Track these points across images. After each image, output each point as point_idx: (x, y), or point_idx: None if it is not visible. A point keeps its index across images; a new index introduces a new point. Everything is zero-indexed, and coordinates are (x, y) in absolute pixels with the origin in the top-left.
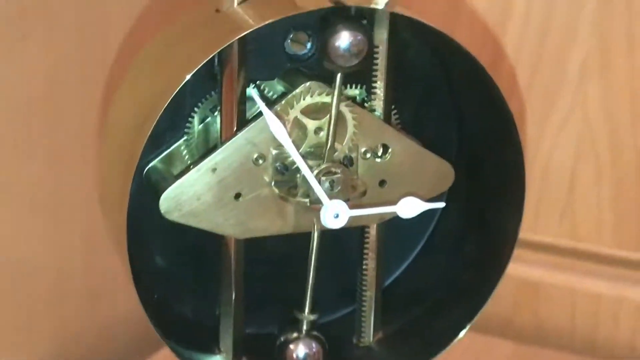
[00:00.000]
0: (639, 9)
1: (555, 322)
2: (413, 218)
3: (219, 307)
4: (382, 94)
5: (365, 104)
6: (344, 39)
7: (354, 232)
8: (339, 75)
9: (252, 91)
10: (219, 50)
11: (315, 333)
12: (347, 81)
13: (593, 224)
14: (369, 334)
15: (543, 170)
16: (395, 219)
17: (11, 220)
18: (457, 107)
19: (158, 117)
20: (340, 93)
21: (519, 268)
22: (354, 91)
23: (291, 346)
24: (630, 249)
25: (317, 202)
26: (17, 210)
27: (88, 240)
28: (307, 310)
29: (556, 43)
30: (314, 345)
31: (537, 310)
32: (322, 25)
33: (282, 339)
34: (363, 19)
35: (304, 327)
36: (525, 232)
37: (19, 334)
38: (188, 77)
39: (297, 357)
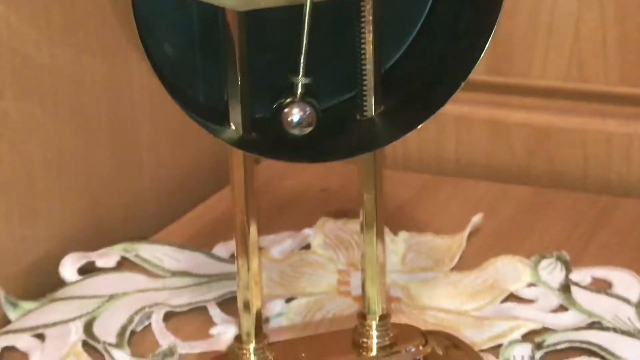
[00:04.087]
0: None
1: (569, 164)
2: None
3: (227, 89)
4: None
5: None
6: None
7: (351, 19)
8: None
9: None
10: None
11: (309, 99)
12: None
13: (600, 64)
14: (371, 108)
15: (549, 17)
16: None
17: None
18: None
19: None
20: None
21: (531, 115)
22: None
23: (286, 110)
24: (637, 85)
25: None
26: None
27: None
28: (301, 73)
29: None
30: (307, 108)
31: (550, 154)
32: None
33: (277, 103)
34: None
35: (299, 91)
36: (535, 78)
37: (53, 202)
38: None
39: (291, 120)
